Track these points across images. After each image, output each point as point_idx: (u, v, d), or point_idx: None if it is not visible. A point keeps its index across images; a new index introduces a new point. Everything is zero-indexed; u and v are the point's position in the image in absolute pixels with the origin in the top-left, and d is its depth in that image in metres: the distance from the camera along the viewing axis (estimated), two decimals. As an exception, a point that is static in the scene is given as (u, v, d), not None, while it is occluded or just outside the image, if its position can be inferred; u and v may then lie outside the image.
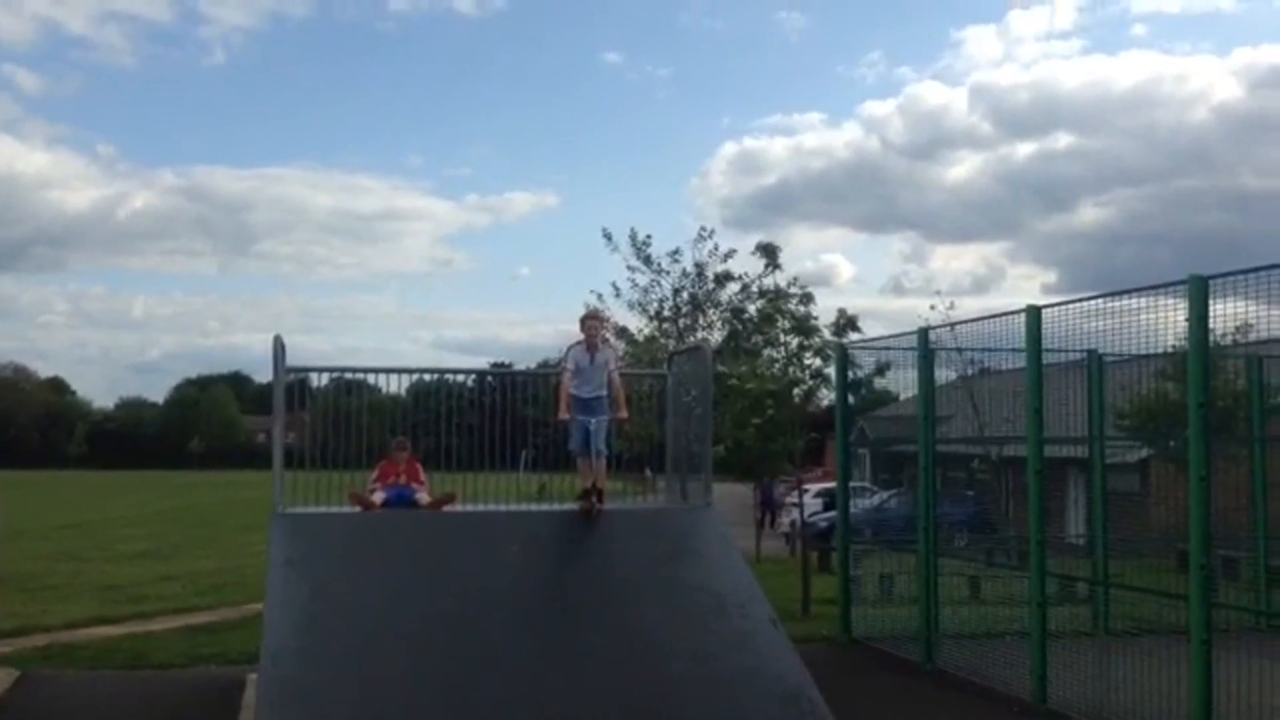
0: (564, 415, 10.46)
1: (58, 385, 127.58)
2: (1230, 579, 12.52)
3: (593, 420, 10.45)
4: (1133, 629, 10.32)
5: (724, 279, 24.47)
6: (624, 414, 10.81)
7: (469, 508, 11.47)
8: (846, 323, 24.84)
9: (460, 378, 15.62)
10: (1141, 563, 12.17)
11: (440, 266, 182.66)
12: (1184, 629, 8.74)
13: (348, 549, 9.96)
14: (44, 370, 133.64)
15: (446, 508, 11.18)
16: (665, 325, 24.19)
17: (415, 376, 13.63)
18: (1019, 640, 11.01)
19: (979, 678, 11.41)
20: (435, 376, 14.49)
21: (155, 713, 10.28)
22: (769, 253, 24.69)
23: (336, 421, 12.12)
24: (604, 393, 10.55)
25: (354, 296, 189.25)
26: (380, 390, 13.39)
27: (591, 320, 10.97)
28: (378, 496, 11.09)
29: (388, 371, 12.36)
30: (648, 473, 15.11)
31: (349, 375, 13.54)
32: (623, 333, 24.21)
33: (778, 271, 24.40)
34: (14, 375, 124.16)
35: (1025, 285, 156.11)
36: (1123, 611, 11.23)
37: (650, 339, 24.06)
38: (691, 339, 22.63)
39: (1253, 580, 13.23)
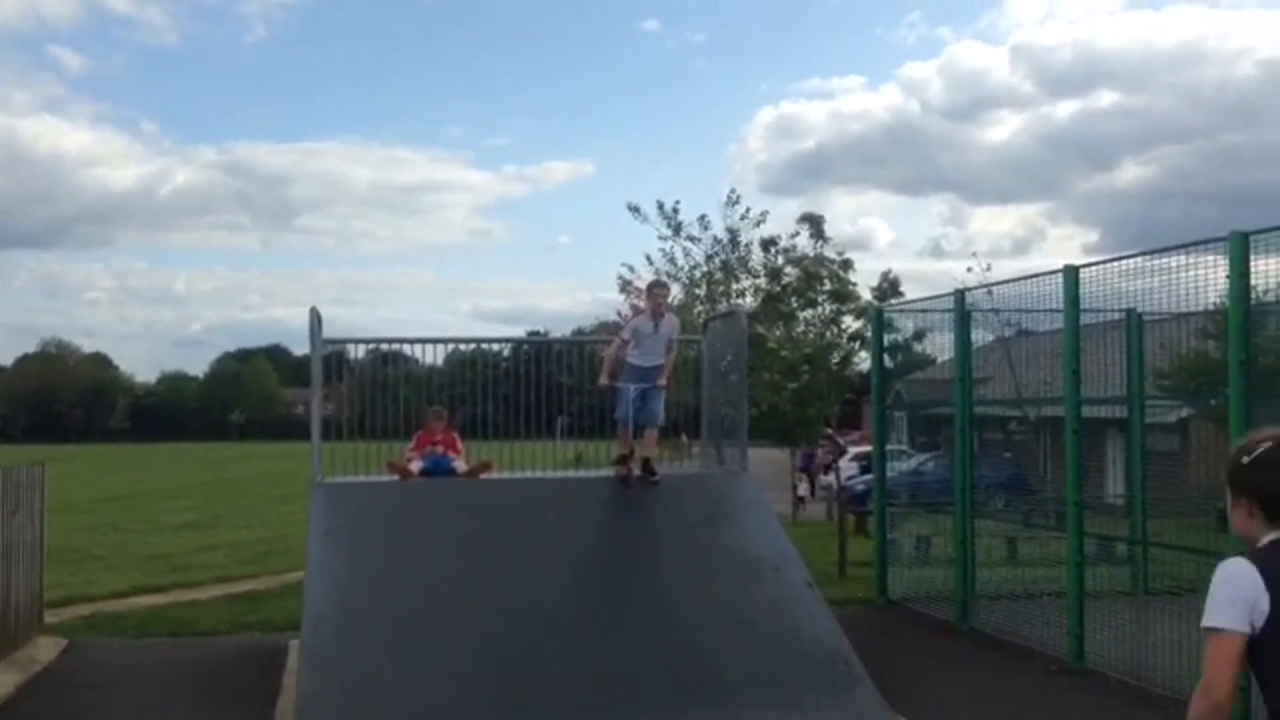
0: (604, 381, 10.40)
1: (100, 360, 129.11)
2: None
3: (649, 389, 10.35)
4: (1172, 588, 10.24)
5: (768, 245, 24.37)
6: (664, 382, 10.73)
7: (506, 475, 11.53)
8: (890, 286, 24.75)
9: (496, 347, 15.67)
10: (1181, 522, 12.06)
11: (478, 237, 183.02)
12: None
13: (387, 517, 10.07)
14: (88, 346, 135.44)
15: (483, 475, 11.25)
16: (697, 291, 24.14)
17: (451, 347, 13.70)
18: (1056, 600, 10.96)
19: (1015, 637, 11.38)
20: (471, 346, 14.55)
21: (200, 678, 10.43)
22: (814, 223, 24.57)
23: (374, 392, 12.22)
24: (661, 363, 10.45)
25: (393, 269, 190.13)
26: (417, 361, 13.49)
27: (658, 289, 10.93)
28: (415, 465, 11.18)
29: (423, 342, 12.44)
30: (683, 438, 15.13)
31: (386, 346, 13.62)
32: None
33: (823, 243, 24.37)
34: (57, 350, 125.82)
35: (1066, 246, 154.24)
36: (1162, 571, 11.14)
37: (683, 306, 24.03)
38: (725, 304, 22.58)
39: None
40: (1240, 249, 8.50)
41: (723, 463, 11.70)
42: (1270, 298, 10.74)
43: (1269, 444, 2.96)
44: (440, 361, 13.97)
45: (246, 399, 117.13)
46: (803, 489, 27.64)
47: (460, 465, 11.33)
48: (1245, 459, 2.98)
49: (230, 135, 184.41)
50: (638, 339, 10.34)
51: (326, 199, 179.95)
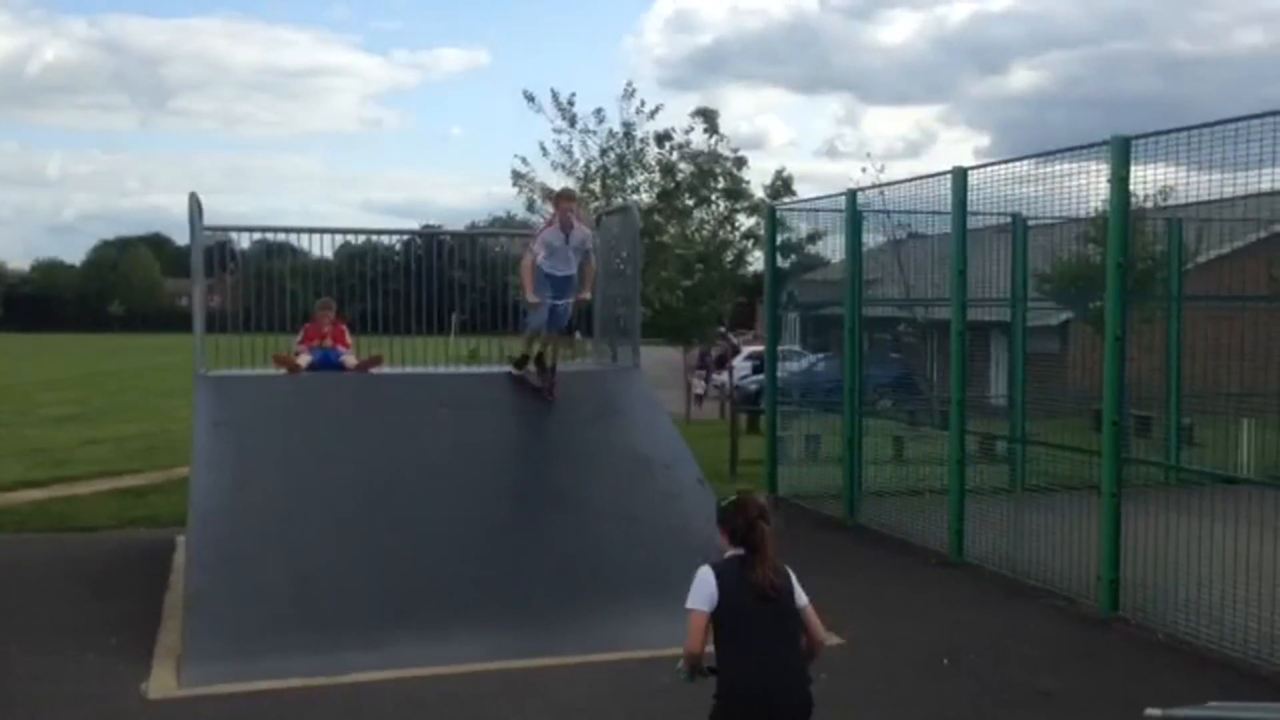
0: (532, 299, 9.95)
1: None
2: (1143, 436, 12.92)
3: (560, 302, 10.09)
4: (1048, 485, 10.64)
5: (663, 139, 24.16)
6: (587, 295, 10.45)
7: (397, 371, 11.41)
8: (783, 184, 24.80)
9: (389, 240, 15.34)
10: (1059, 422, 12.50)
11: (369, 126, 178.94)
12: (1097, 485, 9.04)
13: (274, 411, 9.90)
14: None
15: (373, 370, 11.11)
16: (592, 186, 23.90)
17: (342, 239, 13.37)
18: (938, 497, 11.32)
19: (898, 532, 11.75)
20: (363, 239, 14.21)
21: (85, 574, 10.25)
22: (708, 118, 24.42)
23: (260, 285, 11.91)
24: (574, 273, 10.18)
25: (279, 156, 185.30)
26: (306, 253, 13.15)
27: (565, 201, 10.43)
28: (303, 359, 10.97)
29: (312, 232, 12.08)
30: (576, 335, 15.12)
31: (274, 237, 13.22)
32: (549, 194, 23.89)
33: (717, 139, 24.26)
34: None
35: (958, 149, 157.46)
36: (1039, 469, 11.57)
37: (578, 200, 23.79)
38: (620, 199, 22.42)
39: (1163, 438, 13.69)
40: (1121, 154, 8.69)
41: (615, 360, 11.72)
42: (1149, 204, 11.07)
43: (735, 498, 4.71)
44: (330, 255, 13.66)
45: (127, 289, 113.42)
46: (700, 387, 27.99)
47: (349, 359, 11.14)
48: (723, 504, 4.72)
49: (102, 7, 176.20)
50: (549, 251, 10.03)
51: (207, 80, 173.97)
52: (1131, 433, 10.38)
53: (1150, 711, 4.16)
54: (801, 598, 4.66)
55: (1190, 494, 8.97)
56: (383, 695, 7.16)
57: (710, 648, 4.49)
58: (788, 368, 16.47)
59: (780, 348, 15.44)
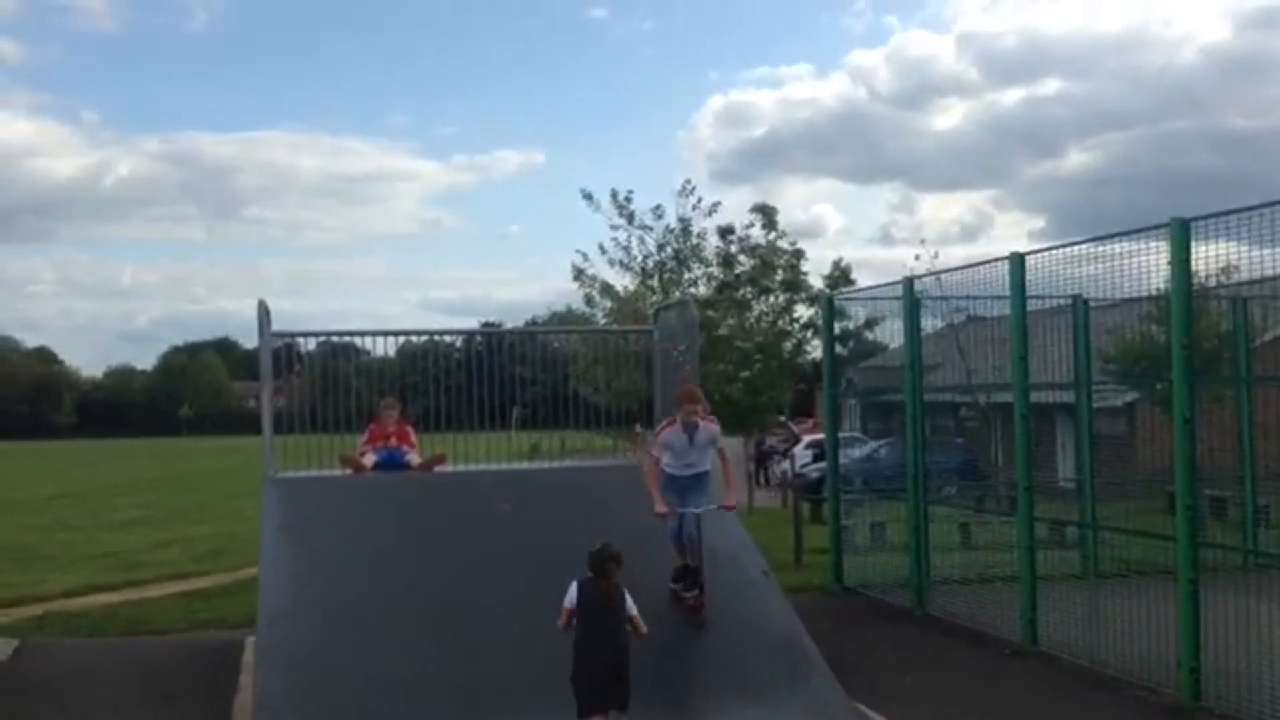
0: (661, 510, 8.89)
1: (45, 355, 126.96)
2: (1218, 519, 12.63)
3: (689, 511, 9.08)
4: (1122, 571, 10.41)
5: (725, 233, 24.56)
6: (733, 504, 9.54)
7: (460, 468, 11.49)
8: (841, 274, 24.98)
9: (449, 339, 15.57)
10: (1130, 505, 12.26)
11: (428, 227, 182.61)
12: (1172, 569, 8.83)
13: (340, 512, 10.00)
14: (31, 340, 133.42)
15: (437, 468, 11.21)
16: (650, 281, 24.18)
17: (403, 339, 13.61)
18: (1009, 585, 11.10)
19: (970, 622, 11.52)
20: (424, 338, 14.45)
21: (155, 677, 10.33)
22: (766, 214, 24.74)
23: (326, 385, 12.12)
24: (705, 470, 9.35)
25: (342, 259, 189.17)
26: (369, 353, 13.41)
27: (690, 403, 9.11)
28: (368, 459, 11.12)
29: (374, 334, 12.36)
30: (638, 429, 15.15)
31: (337, 339, 13.49)
32: (607, 290, 24.22)
33: (776, 235, 24.59)
34: (0, 346, 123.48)
35: (1012, 232, 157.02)
36: (1112, 554, 11.33)
37: (636, 294, 24.07)
38: (677, 293, 22.62)
39: (1240, 519, 13.35)
40: (1181, 235, 8.64)
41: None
42: (1211, 283, 10.96)
43: (599, 546, 7.44)
44: (393, 353, 13.90)
45: (196, 393, 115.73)
46: (777, 476, 28.23)
47: (414, 458, 11.27)
48: (591, 551, 7.40)
49: (173, 125, 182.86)
50: (673, 453, 9.22)
51: (272, 189, 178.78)
52: (1206, 515, 10.15)
53: None
54: (631, 610, 7.44)
55: (1270, 577, 8.72)
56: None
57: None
58: (849, 454, 16.36)
59: (841, 434, 15.35)
